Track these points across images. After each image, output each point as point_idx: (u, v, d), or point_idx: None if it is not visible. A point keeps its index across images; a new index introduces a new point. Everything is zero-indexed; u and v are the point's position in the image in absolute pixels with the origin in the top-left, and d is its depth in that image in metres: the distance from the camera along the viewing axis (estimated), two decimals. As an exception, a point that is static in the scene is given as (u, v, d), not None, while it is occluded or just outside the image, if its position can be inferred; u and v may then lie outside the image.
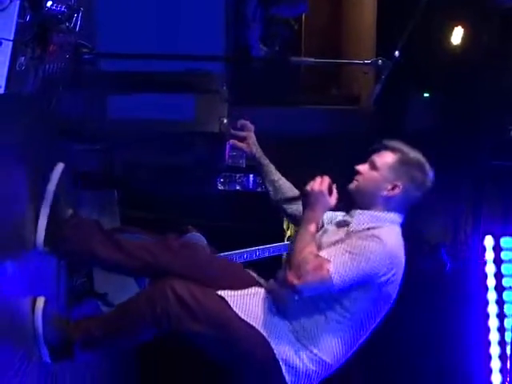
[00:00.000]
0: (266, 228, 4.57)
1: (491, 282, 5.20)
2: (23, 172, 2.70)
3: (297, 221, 2.96)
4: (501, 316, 5.18)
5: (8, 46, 2.20)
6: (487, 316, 5.18)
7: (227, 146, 3.28)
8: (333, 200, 2.78)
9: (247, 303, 2.75)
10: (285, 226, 4.63)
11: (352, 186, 2.89)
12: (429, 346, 5.12)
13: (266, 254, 4.30)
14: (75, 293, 3.42)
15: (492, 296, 5.19)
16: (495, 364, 5.14)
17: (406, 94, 5.23)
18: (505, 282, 5.20)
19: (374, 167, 2.85)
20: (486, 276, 5.21)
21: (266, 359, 2.70)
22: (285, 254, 4.18)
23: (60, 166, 2.91)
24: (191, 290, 2.70)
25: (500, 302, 5.18)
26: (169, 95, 3.38)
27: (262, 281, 2.92)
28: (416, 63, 4.79)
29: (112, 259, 2.83)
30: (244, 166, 3.50)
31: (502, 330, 5.16)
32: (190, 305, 2.67)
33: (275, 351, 2.70)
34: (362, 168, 2.88)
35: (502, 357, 5.12)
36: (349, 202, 2.89)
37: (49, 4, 2.39)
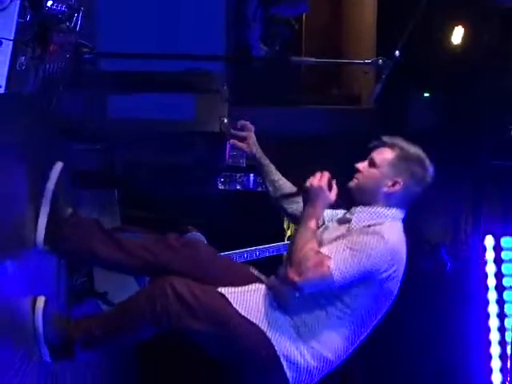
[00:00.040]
0: (266, 228, 4.57)
1: (491, 281, 5.20)
2: (23, 172, 2.69)
3: (297, 220, 2.95)
4: (501, 316, 5.17)
5: (8, 46, 2.20)
6: (487, 316, 5.17)
7: (227, 146, 3.28)
8: (333, 195, 2.78)
9: (248, 300, 2.74)
10: (285, 226, 4.63)
11: (352, 183, 2.88)
12: (429, 345, 5.12)
13: (266, 254, 4.31)
14: (75, 292, 3.42)
15: (492, 296, 5.19)
16: (495, 364, 5.14)
17: (406, 93, 5.23)
18: (505, 281, 5.19)
19: (373, 164, 2.85)
20: (486, 276, 5.20)
21: (267, 356, 2.69)
22: (285, 253, 4.18)
23: (59, 165, 2.90)
24: (191, 287, 2.69)
25: (500, 302, 5.18)
26: (169, 95, 3.38)
27: (262, 277, 2.91)
28: (416, 63, 4.78)
29: (112, 258, 2.82)
30: (244, 165, 3.50)
31: (502, 329, 5.16)
32: (189, 303, 2.66)
33: (276, 347, 2.69)
34: (362, 166, 2.87)
35: (503, 356, 5.11)
36: (349, 198, 2.88)
37: (49, 3, 2.39)
